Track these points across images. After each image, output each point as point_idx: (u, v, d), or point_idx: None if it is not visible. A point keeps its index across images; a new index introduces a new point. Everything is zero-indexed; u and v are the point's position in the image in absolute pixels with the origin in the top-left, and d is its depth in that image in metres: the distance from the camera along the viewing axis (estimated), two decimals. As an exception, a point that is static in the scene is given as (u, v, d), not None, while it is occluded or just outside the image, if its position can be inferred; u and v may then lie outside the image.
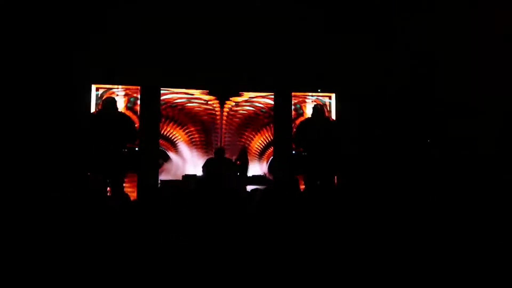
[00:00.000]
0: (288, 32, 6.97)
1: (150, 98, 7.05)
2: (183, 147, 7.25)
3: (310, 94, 7.46)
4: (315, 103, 7.46)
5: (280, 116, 7.38)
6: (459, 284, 2.54)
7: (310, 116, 7.44)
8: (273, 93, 7.42)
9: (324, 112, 7.45)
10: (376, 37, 6.86)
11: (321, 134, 7.30)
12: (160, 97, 7.12)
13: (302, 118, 7.45)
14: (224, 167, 6.62)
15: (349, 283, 2.56)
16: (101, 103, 6.87)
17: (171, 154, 7.17)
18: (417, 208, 3.64)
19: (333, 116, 7.44)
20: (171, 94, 7.24)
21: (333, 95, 7.45)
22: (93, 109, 6.85)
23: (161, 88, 7.13)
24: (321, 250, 2.74)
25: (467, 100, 6.57)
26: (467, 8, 6.40)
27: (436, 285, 2.55)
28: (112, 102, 6.88)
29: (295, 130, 7.37)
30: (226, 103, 7.36)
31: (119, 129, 6.81)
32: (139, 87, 7.01)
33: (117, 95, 6.95)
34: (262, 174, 7.17)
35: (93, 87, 6.86)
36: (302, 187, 7.03)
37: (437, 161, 6.54)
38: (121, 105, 6.95)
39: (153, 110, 7.05)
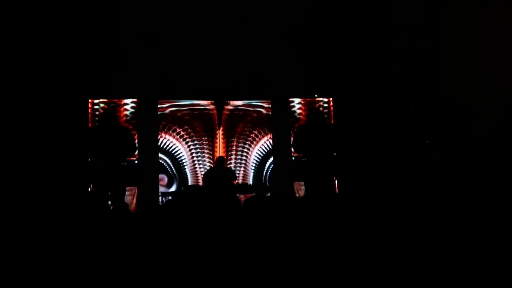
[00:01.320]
0: (283, 38, 6.99)
1: (148, 111, 7.06)
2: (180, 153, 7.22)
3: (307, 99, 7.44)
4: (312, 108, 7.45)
5: (278, 123, 7.35)
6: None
7: (307, 120, 7.41)
8: (269, 100, 7.41)
9: (322, 115, 7.42)
10: (373, 40, 6.85)
11: (319, 138, 7.26)
12: (157, 109, 7.12)
13: (300, 123, 7.42)
14: (224, 176, 6.62)
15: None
16: (99, 116, 6.89)
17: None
18: (419, 212, 3.60)
19: (331, 120, 7.40)
20: (167, 104, 7.25)
21: (330, 100, 7.43)
22: (90, 123, 6.87)
23: (159, 101, 7.13)
24: (320, 257, 2.72)
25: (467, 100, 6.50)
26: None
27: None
28: (111, 115, 6.91)
29: (293, 135, 7.34)
30: (224, 108, 7.35)
31: (119, 143, 6.81)
32: (135, 100, 7.04)
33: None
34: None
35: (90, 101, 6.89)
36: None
37: (439, 162, 6.48)
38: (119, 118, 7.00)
39: (150, 123, 7.05)
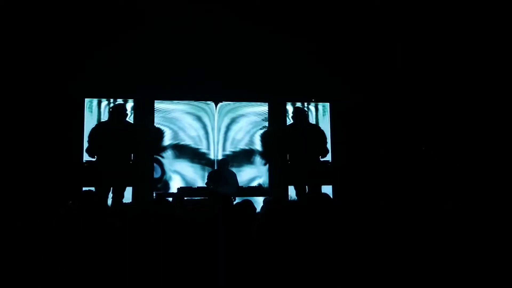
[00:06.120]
0: (283, 43, 6.97)
1: (144, 111, 7.01)
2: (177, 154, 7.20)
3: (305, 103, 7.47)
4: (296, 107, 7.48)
5: (274, 126, 7.37)
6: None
7: (292, 121, 7.45)
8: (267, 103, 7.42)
9: (306, 115, 7.46)
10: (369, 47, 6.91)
11: (304, 138, 7.32)
12: (154, 110, 7.08)
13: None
14: (228, 179, 6.63)
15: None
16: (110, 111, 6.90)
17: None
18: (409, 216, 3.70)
19: (329, 125, 7.44)
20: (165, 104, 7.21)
21: (327, 105, 7.46)
22: (89, 122, 6.80)
23: (155, 101, 7.09)
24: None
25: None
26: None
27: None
28: (121, 110, 6.90)
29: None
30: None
31: (128, 139, 6.83)
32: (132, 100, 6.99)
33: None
34: (257, 185, 7.17)
35: (86, 100, 6.81)
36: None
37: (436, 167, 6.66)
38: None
39: (147, 123, 7.01)
